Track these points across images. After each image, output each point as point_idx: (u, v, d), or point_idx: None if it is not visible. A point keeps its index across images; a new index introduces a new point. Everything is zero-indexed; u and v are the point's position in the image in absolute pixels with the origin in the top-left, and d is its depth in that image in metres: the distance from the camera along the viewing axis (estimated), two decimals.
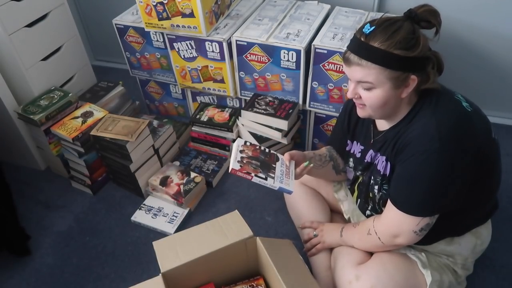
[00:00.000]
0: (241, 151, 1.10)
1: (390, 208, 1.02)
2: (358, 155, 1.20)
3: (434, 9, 0.95)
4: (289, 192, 1.06)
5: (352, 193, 1.29)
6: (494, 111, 1.95)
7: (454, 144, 0.92)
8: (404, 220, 0.99)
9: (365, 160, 1.16)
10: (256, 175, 1.04)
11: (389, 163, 1.05)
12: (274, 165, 1.09)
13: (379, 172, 1.09)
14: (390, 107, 0.98)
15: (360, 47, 0.93)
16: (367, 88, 0.96)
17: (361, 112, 1.04)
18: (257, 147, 1.14)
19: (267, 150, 1.15)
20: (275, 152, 1.15)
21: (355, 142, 1.22)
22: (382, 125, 1.09)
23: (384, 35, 0.90)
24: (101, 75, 2.15)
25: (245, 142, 1.14)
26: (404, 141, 0.98)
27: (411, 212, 0.98)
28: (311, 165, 1.14)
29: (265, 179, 1.04)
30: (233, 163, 1.04)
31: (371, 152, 1.14)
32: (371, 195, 1.15)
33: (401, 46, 0.89)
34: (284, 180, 1.06)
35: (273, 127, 1.65)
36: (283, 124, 1.62)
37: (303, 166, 1.13)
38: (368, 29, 0.92)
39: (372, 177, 1.13)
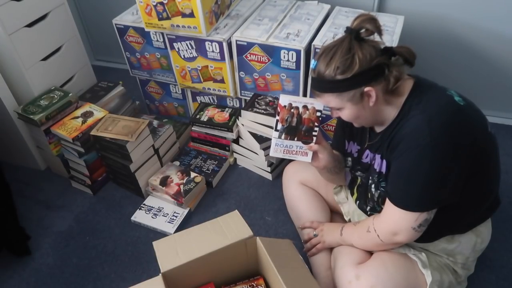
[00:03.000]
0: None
1: (388, 206, 1.03)
2: (355, 154, 1.22)
3: (369, 16, 0.98)
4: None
5: (352, 195, 1.29)
6: (494, 111, 1.95)
7: (446, 138, 0.92)
8: (402, 216, 0.99)
9: (363, 161, 1.17)
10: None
11: (384, 160, 1.06)
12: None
13: (375, 171, 1.10)
14: (368, 116, 1.04)
15: (313, 82, 1.04)
16: (337, 109, 1.05)
17: (355, 124, 1.12)
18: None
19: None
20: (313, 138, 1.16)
21: (351, 142, 1.23)
22: (378, 127, 1.10)
23: (324, 66, 0.98)
24: (101, 75, 2.15)
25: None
26: (397, 138, 0.99)
27: (408, 208, 0.98)
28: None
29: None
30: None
31: (367, 152, 1.15)
32: (369, 195, 1.15)
33: (339, 71, 0.96)
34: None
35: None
36: None
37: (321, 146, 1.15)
38: (313, 64, 1.03)
39: (370, 177, 1.13)
